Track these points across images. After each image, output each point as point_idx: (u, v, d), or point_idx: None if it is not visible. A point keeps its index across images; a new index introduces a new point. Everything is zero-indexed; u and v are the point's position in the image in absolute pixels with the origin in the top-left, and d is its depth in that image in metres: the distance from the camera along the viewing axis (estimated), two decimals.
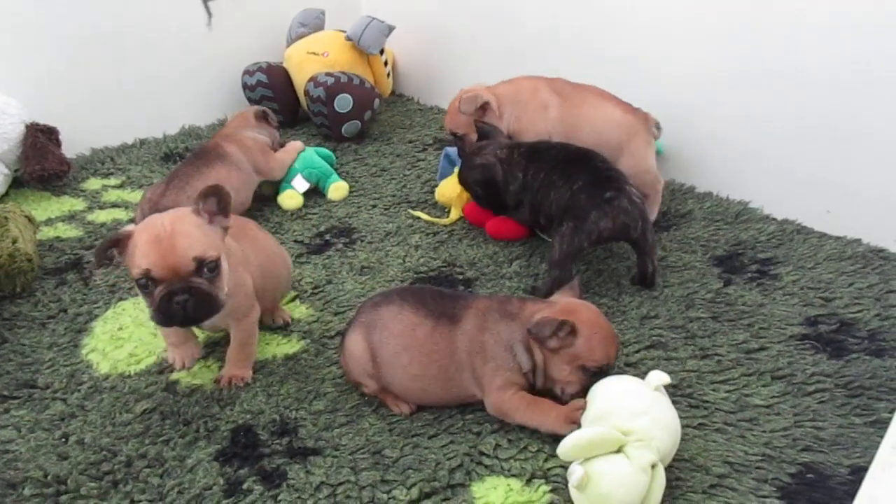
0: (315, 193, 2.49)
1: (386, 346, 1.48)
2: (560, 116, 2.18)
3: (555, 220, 1.88)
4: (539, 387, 1.46)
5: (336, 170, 2.56)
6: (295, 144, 2.53)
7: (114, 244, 1.38)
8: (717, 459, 1.36)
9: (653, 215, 2.17)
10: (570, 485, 1.24)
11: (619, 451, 1.24)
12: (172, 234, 1.35)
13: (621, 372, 1.52)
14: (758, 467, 1.35)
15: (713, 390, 1.54)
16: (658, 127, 2.19)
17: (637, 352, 1.66)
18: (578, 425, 1.35)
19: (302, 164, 2.47)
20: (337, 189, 2.47)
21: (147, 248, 1.34)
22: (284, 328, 1.80)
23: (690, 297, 1.85)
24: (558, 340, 1.39)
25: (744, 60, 2.16)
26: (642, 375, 1.37)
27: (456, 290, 1.91)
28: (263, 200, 2.45)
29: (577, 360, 1.40)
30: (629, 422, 1.25)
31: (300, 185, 2.44)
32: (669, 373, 1.57)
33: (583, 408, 1.37)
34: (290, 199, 2.42)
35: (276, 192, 2.45)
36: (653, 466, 1.22)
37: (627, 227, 1.79)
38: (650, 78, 2.38)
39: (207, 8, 2.05)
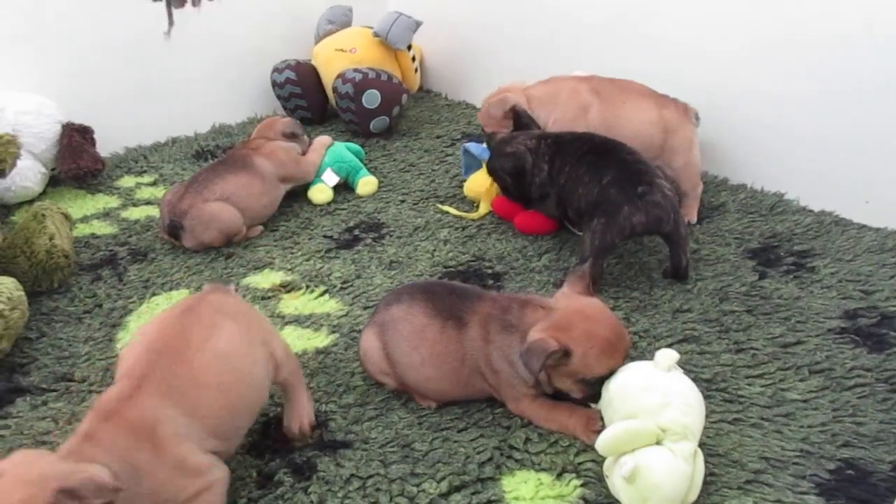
0: (344, 188, 2.50)
1: (398, 346, 1.48)
2: (601, 118, 2.14)
3: (584, 216, 1.86)
4: (549, 393, 1.44)
5: (365, 165, 2.57)
6: (322, 140, 2.54)
7: None
8: (752, 455, 1.34)
9: (693, 216, 2.14)
10: (619, 475, 1.22)
11: (657, 443, 1.23)
12: None
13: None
14: (795, 463, 1.32)
15: (748, 385, 1.51)
16: (697, 117, 2.15)
17: (670, 346, 1.63)
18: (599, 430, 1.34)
19: (332, 158, 2.48)
20: (366, 184, 2.48)
21: None
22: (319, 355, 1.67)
23: (724, 291, 1.81)
24: (553, 361, 1.32)
25: (780, 47, 2.11)
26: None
27: (485, 285, 1.90)
28: (293, 196, 2.46)
29: (575, 375, 1.35)
30: (656, 418, 1.24)
31: (330, 179, 2.45)
32: (703, 367, 1.55)
33: (599, 418, 1.36)
34: (320, 192, 2.43)
35: (306, 187, 2.46)
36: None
37: (660, 220, 1.76)
38: (682, 66, 2.34)
39: (170, 15, 2.06)
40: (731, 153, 2.33)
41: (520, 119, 2.15)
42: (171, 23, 2.05)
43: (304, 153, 2.49)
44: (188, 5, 2.26)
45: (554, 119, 2.19)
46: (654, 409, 1.25)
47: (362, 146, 2.71)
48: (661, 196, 1.76)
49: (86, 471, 1.01)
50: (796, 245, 1.99)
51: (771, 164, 2.24)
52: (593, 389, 1.36)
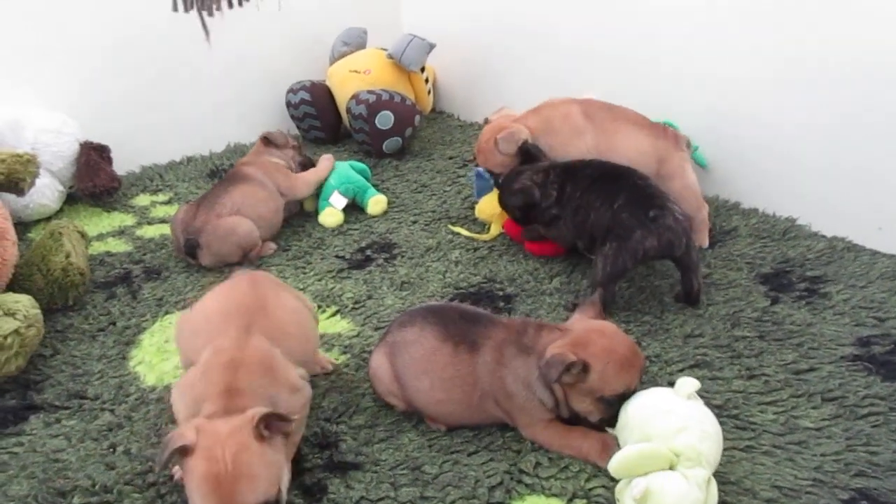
0: (356, 209, 2.52)
1: (408, 370, 1.48)
2: (595, 144, 2.14)
3: (596, 241, 1.86)
4: (565, 417, 1.43)
5: (372, 183, 2.58)
6: (325, 160, 2.54)
7: (176, 453, 1.20)
8: (765, 483, 1.33)
9: (704, 240, 2.13)
10: (630, 497, 1.22)
11: (670, 468, 1.23)
12: (234, 476, 1.15)
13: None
14: (808, 492, 1.30)
15: (760, 412, 1.50)
16: (689, 145, 2.16)
17: (681, 371, 1.63)
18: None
19: (338, 179, 2.49)
20: (376, 203, 2.49)
21: (205, 489, 1.15)
22: (329, 375, 1.71)
23: (736, 316, 1.81)
24: (571, 377, 1.34)
25: (793, 74, 2.12)
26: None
27: (496, 307, 1.91)
28: (307, 216, 2.48)
29: (594, 392, 1.36)
30: (671, 442, 1.24)
31: (338, 201, 2.46)
32: (715, 393, 1.55)
33: (615, 443, 1.36)
34: (330, 216, 2.44)
35: (317, 211, 2.48)
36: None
37: (672, 244, 1.77)
38: (692, 91, 2.36)
39: (205, 25, 2.09)
40: (743, 178, 2.34)
41: (528, 153, 2.13)
42: (206, 31, 2.09)
43: (291, 168, 2.50)
44: (214, 18, 2.29)
45: (549, 145, 2.15)
46: (670, 432, 1.25)
47: (374, 166, 2.73)
48: (672, 220, 1.77)
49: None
50: (809, 270, 1.98)
51: (783, 189, 2.24)
52: (611, 410, 1.37)
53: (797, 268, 2.00)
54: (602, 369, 1.33)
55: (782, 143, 2.20)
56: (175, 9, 2.04)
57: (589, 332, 1.39)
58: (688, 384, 1.31)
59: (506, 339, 1.44)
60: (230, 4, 2.34)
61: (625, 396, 1.36)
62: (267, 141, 2.50)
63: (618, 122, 2.16)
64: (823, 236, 2.15)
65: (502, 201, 2.14)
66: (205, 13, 2.14)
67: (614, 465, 1.24)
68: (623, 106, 2.21)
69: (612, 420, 1.38)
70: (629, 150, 2.09)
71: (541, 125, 2.18)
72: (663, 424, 1.27)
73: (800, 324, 1.77)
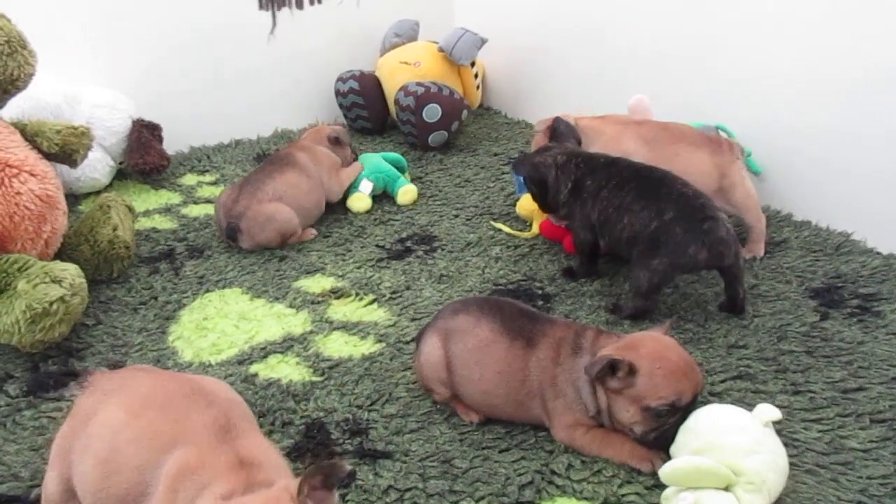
0: (390, 198, 2.52)
1: (460, 358, 1.46)
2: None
3: (634, 246, 1.79)
4: (608, 427, 1.39)
5: (407, 173, 2.57)
6: (356, 166, 2.53)
7: None
8: (806, 502, 1.28)
9: (760, 249, 2.07)
10: None
11: (726, 488, 1.18)
12: None
13: (704, 402, 1.45)
14: None
15: (804, 429, 1.45)
16: (743, 152, 2.11)
17: (723, 381, 1.58)
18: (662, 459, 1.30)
19: (368, 168, 2.50)
20: (406, 192, 2.49)
21: None
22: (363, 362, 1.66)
23: (783, 329, 1.75)
24: (618, 381, 1.30)
25: (853, 85, 2.04)
26: None
27: (535, 306, 1.88)
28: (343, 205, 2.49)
29: (640, 400, 1.30)
30: (739, 460, 1.19)
31: (366, 187, 2.48)
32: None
33: (658, 456, 1.32)
34: (358, 201, 2.46)
35: (345, 197, 2.49)
36: None
37: (723, 255, 1.72)
38: (746, 97, 2.29)
39: (274, 17, 2.10)
40: (796, 188, 2.26)
41: (557, 128, 2.10)
42: (275, 24, 2.12)
43: (339, 166, 2.48)
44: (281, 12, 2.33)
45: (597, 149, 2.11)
46: (741, 451, 1.20)
47: (419, 159, 2.72)
48: (725, 231, 1.71)
49: None
50: (861, 287, 1.91)
51: (838, 202, 2.16)
52: (657, 423, 1.30)
53: (849, 284, 1.93)
54: (650, 373, 1.28)
55: (839, 155, 2.12)
56: (261, 7, 2.07)
57: (643, 337, 1.36)
58: (768, 411, 1.25)
59: (564, 338, 1.42)
60: (311, 2, 2.36)
61: (675, 410, 1.29)
62: (336, 140, 2.50)
63: (677, 144, 2.08)
64: (879, 253, 2.07)
65: (516, 168, 2.13)
66: (275, 7, 2.16)
67: (668, 471, 1.19)
68: (677, 123, 2.15)
69: (659, 440, 1.31)
70: (692, 173, 1.98)
71: (591, 130, 2.15)
72: (736, 441, 1.21)
73: (850, 341, 1.70)
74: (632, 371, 1.29)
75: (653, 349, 1.31)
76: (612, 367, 1.29)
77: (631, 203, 1.81)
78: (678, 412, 1.30)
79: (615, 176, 1.88)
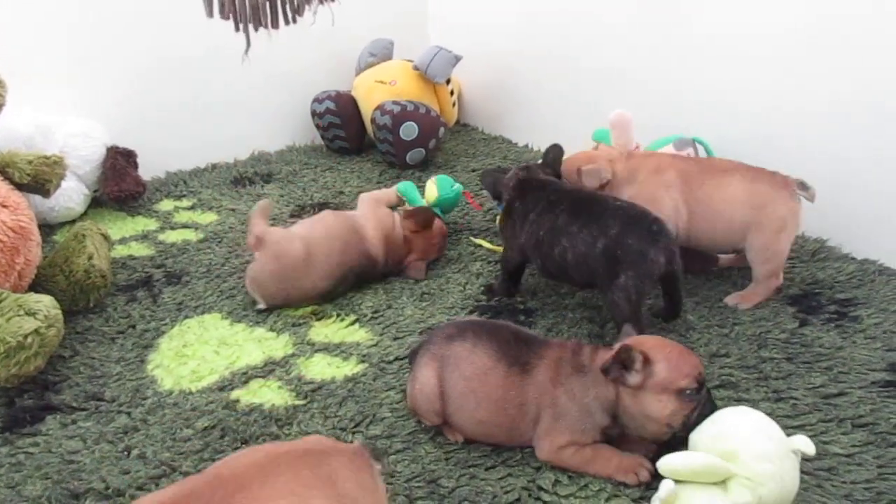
0: None
1: (455, 387, 1.44)
2: (683, 200, 1.92)
3: (581, 268, 1.73)
4: (628, 433, 1.38)
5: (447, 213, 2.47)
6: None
7: None
8: None
9: (750, 303, 1.91)
10: (655, 497, 1.19)
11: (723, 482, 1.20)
12: None
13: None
14: None
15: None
16: (803, 187, 1.86)
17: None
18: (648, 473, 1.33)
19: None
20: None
21: None
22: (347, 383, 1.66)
23: (763, 337, 1.77)
24: (637, 374, 1.30)
25: (824, 92, 2.08)
26: None
27: (517, 321, 1.88)
28: None
29: (669, 385, 1.29)
30: (750, 462, 1.19)
31: None
32: None
33: (648, 466, 1.33)
34: None
35: None
36: None
37: (674, 255, 1.67)
38: (720, 113, 2.32)
39: (248, 37, 2.09)
40: None
41: (547, 153, 2.05)
42: (248, 45, 2.10)
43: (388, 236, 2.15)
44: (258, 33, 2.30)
45: (629, 196, 1.93)
46: (756, 455, 1.19)
47: (397, 178, 2.73)
48: (668, 231, 1.70)
49: None
50: (839, 293, 1.93)
51: (813, 209, 2.17)
52: (695, 403, 1.29)
53: (826, 290, 1.95)
54: (665, 358, 1.30)
55: (812, 166, 2.15)
56: (210, 15, 2.03)
57: (634, 339, 1.38)
58: (804, 443, 1.22)
59: (561, 358, 1.41)
60: (286, 21, 2.33)
61: (701, 386, 1.30)
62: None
63: (708, 174, 1.93)
64: (854, 258, 2.10)
65: (481, 179, 2.17)
66: (251, 27, 2.13)
67: (667, 464, 1.20)
68: (713, 157, 2.12)
69: (700, 418, 1.29)
70: (717, 201, 1.89)
71: (628, 173, 1.99)
72: (757, 444, 1.20)
73: (829, 347, 1.72)
74: (647, 361, 1.30)
75: (651, 342, 1.34)
76: (625, 360, 1.30)
77: (566, 225, 1.76)
78: (703, 387, 1.32)
79: (542, 200, 1.85)
